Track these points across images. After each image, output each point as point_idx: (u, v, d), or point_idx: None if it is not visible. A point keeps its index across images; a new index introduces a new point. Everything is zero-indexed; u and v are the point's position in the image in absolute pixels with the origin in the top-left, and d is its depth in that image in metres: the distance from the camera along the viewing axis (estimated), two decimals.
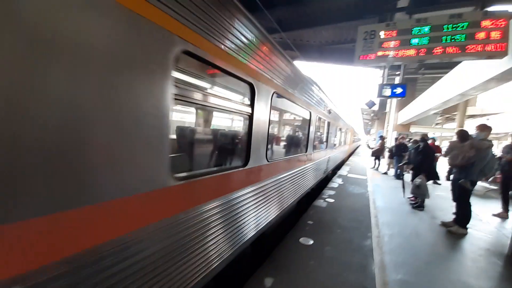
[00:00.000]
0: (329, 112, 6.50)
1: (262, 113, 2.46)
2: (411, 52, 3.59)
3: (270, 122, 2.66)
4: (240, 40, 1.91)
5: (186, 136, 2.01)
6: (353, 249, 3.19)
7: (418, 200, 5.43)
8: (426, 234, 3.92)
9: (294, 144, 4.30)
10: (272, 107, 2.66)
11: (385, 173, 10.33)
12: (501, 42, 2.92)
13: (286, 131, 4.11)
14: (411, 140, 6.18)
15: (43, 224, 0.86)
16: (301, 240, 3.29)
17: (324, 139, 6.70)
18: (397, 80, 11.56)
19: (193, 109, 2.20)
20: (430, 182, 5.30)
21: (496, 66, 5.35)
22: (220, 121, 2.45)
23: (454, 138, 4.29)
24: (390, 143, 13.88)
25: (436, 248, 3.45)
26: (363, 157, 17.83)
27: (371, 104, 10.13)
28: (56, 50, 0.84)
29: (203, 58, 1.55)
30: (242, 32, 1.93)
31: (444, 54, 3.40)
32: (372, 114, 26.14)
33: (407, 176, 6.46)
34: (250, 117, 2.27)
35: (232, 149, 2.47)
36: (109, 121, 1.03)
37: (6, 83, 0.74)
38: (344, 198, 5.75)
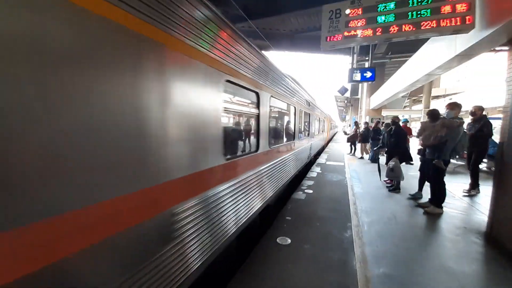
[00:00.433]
0: (309, 105, 7.38)
1: (264, 112, 3.34)
2: (379, 30, 3.40)
3: (269, 119, 3.58)
4: (252, 66, 2.81)
5: (228, 132, 2.51)
6: (333, 243, 2.99)
7: (394, 183, 5.46)
8: (404, 218, 3.87)
9: (285, 134, 5.07)
10: (270, 107, 3.59)
11: (361, 157, 10.53)
12: (467, 15, 2.81)
13: (279, 124, 4.81)
14: (384, 124, 6.19)
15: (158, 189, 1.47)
16: (279, 240, 3.03)
17: (307, 129, 7.59)
18: (366, 65, 11.72)
19: (230, 114, 2.68)
20: (404, 163, 5.29)
21: (459, 44, 5.45)
22: (242, 121, 3.11)
23: (424, 119, 4.25)
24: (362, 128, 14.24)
25: (415, 232, 3.38)
26: (341, 144, 18.24)
27: (343, 90, 10.15)
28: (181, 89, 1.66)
29: (234, 82, 2.40)
30: (253, 60, 2.82)
31: (412, 31, 3.25)
32: (345, 101, 26.83)
33: (382, 160, 6.52)
34: (258, 116, 3.16)
35: (249, 140, 3.20)
36: (202, 126, 1.91)
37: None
38: (323, 188, 5.63)
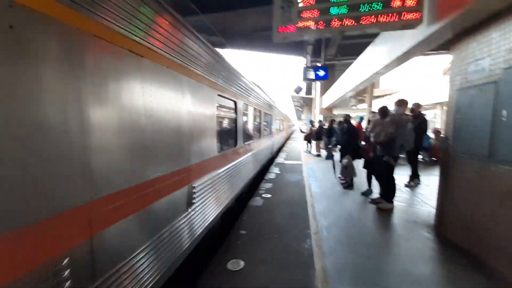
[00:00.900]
0: (270, 107, 8.50)
1: (239, 115, 4.21)
2: (332, 22, 3.19)
3: (243, 121, 4.53)
4: (236, 84, 3.98)
5: (219, 132, 3.21)
6: (292, 259, 2.63)
7: (348, 179, 5.52)
8: (360, 217, 3.80)
9: (252, 134, 5.77)
10: (243, 112, 4.51)
11: (318, 155, 10.81)
12: (416, 11, 2.78)
13: (248, 125, 5.48)
14: (335, 122, 6.28)
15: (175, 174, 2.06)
16: (230, 265, 2.52)
17: (269, 128, 8.46)
18: (319, 65, 12.11)
19: (220, 118, 3.38)
20: (356, 160, 5.38)
21: (398, 48, 5.87)
22: (226, 123, 3.87)
23: (372, 116, 4.29)
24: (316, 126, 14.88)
25: (372, 234, 3.29)
26: (298, 141, 18.78)
27: (298, 90, 10.24)
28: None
29: (222, 96, 3.33)
30: (240, 82, 4.19)
31: (363, 25, 3.13)
32: (301, 101, 27.95)
33: (337, 157, 6.62)
34: (235, 119, 4.05)
35: (231, 137, 4.04)
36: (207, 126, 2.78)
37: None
38: (281, 190, 5.35)
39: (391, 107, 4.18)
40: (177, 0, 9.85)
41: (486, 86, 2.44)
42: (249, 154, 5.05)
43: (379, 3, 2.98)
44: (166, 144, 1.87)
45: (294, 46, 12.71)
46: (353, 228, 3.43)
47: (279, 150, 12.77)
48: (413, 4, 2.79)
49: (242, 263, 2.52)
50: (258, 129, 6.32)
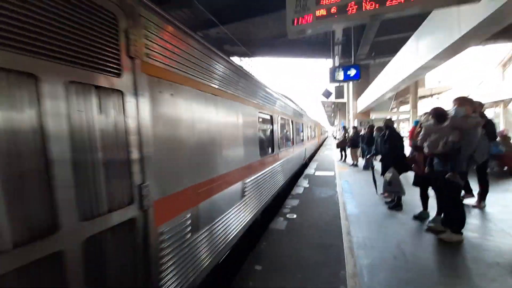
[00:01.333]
0: (301, 116, 8.93)
1: (275, 127, 4.94)
2: (362, 5, 2.52)
3: (278, 131, 5.26)
4: (271, 101, 4.70)
5: (260, 141, 4.05)
6: None
7: (394, 198, 4.52)
8: (416, 253, 2.87)
9: (285, 142, 6.36)
10: (278, 123, 5.24)
11: (354, 164, 9.64)
12: None
13: (282, 135, 5.96)
14: (375, 128, 5.32)
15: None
16: None
17: (300, 136, 8.95)
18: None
19: (260, 129, 4.26)
20: (404, 174, 4.38)
21: (448, 36, 4.83)
22: (265, 133, 4.65)
23: (425, 120, 3.37)
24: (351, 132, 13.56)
25: (434, 279, 2.38)
26: (330, 148, 17.45)
27: (327, 94, 9.39)
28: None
29: (262, 112, 4.07)
30: (274, 99, 4.85)
31: (405, 4, 2.39)
32: (332, 106, 26.44)
33: (377, 168, 5.60)
34: (272, 130, 4.83)
35: (269, 145, 4.77)
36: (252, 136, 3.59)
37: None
38: (309, 209, 4.60)
39: (449, 108, 3.22)
40: (198, 13, 10.15)
41: None
42: (283, 159, 5.78)
43: None
44: (230, 150, 2.76)
45: (321, 48, 11.96)
46: (406, 270, 2.55)
47: (311, 157, 13.18)
48: None
49: None
50: (291, 138, 6.97)
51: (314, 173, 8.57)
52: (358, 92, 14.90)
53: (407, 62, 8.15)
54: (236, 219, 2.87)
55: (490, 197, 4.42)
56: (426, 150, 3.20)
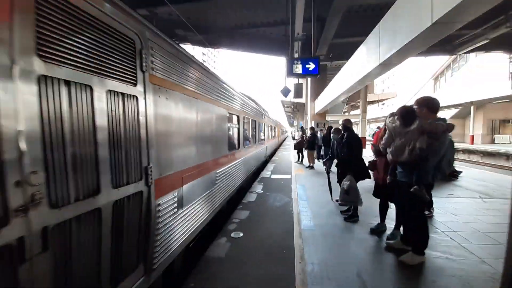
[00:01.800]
0: (263, 116, 9.58)
1: (240, 126, 5.53)
2: None
3: (243, 129, 5.94)
4: (239, 104, 5.42)
5: (228, 138, 4.55)
6: None
7: (350, 207, 4.12)
8: (373, 275, 2.37)
9: (249, 139, 6.92)
10: (243, 122, 5.86)
11: (310, 166, 9.42)
12: None
13: (246, 133, 6.59)
14: (332, 129, 4.92)
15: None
16: None
17: (263, 135, 9.63)
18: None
19: (229, 128, 4.63)
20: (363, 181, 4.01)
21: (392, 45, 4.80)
22: (232, 131, 5.01)
23: (390, 121, 2.94)
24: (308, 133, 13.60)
25: None
26: (289, 150, 17.41)
27: (285, 91, 8.93)
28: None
29: (230, 113, 4.58)
30: (240, 101, 5.52)
31: None
32: (292, 106, 26.84)
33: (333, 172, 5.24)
34: (238, 128, 5.37)
35: (235, 142, 5.20)
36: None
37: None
38: (259, 224, 3.87)
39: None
40: None
41: None
42: (248, 155, 6.40)
43: None
44: (206, 143, 3.33)
45: (281, 45, 11.52)
46: None
47: (272, 154, 14.11)
48: None
49: None
50: (254, 136, 7.65)
51: (270, 175, 8.00)
52: (316, 93, 15.10)
53: (358, 67, 8.26)
54: (208, 203, 3.36)
55: (436, 203, 4.38)
56: (389, 157, 2.75)
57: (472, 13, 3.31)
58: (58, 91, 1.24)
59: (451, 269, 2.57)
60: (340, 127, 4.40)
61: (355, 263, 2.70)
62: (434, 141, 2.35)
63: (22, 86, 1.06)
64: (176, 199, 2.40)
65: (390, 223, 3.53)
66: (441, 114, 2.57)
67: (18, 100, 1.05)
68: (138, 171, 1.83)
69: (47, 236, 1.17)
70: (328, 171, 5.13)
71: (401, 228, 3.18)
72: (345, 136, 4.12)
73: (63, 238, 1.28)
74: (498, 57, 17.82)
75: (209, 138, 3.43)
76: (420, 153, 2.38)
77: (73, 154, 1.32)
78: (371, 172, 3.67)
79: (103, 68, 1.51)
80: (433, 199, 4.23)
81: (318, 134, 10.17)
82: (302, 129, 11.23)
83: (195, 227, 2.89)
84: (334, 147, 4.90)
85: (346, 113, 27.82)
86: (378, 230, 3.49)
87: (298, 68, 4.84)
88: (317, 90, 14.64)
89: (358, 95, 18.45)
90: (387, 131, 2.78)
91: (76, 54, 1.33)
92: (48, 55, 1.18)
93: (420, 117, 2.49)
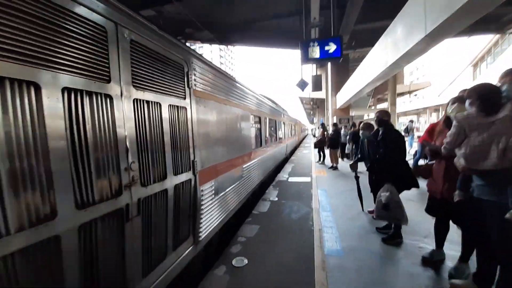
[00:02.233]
0: (283, 115, 9.79)
1: (262, 125, 6.00)
2: None
3: (265, 128, 6.39)
4: (262, 106, 6.02)
5: (253, 137, 5.12)
6: None
7: (391, 226, 3.16)
8: None
9: (270, 137, 7.34)
10: (265, 122, 6.33)
11: (333, 167, 8.38)
12: None
13: (268, 132, 6.92)
14: (361, 125, 3.95)
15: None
16: None
17: (283, 133, 9.87)
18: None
19: (253, 128, 5.18)
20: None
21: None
22: (255, 131, 5.49)
23: (456, 109, 1.98)
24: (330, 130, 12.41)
25: None
26: (309, 147, 16.30)
27: (302, 85, 7.98)
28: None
29: (253, 114, 5.06)
30: (261, 102, 5.94)
31: None
32: (311, 102, 25.49)
33: (363, 176, 4.26)
34: (260, 128, 5.78)
35: (258, 140, 5.63)
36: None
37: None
38: (270, 244, 3.08)
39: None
40: None
41: None
42: (269, 152, 6.76)
43: None
44: (235, 142, 3.82)
45: (295, 37, 10.53)
46: None
47: (292, 152, 14.14)
48: None
49: None
50: (274, 134, 7.98)
51: (288, 178, 7.14)
52: (337, 87, 13.83)
53: (384, 54, 7.06)
54: (237, 193, 3.76)
55: None
56: (460, 162, 1.80)
57: None
58: (144, 108, 1.75)
59: None
60: (373, 121, 3.43)
61: None
62: None
63: (126, 105, 1.58)
64: (213, 187, 2.87)
65: (450, 247, 2.55)
66: None
67: (124, 115, 1.56)
68: (188, 163, 2.32)
69: (140, 205, 1.66)
70: (357, 176, 4.17)
71: (464, 256, 2.19)
72: (380, 132, 3.17)
73: (147, 208, 1.75)
74: None
75: (236, 137, 3.89)
76: None
77: (152, 151, 1.80)
78: (419, 180, 2.70)
79: (167, 89, 2.02)
80: None
81: (342, 131, 9.07)
82: (323, 125, 10.16)
83: (227, 213, 3.31)
84: (364, 146, 3.94)
85: (372, 107, 25.75)
86: (433, 260, 2.53)
87: (315, 52, 3.96)
88: (339, 83, 13.39)
89: (385, 87, 16.72)
90: (455, 124, 1.83)
91: (153, 82, 1.84)
92: (138, 85, 1.70)
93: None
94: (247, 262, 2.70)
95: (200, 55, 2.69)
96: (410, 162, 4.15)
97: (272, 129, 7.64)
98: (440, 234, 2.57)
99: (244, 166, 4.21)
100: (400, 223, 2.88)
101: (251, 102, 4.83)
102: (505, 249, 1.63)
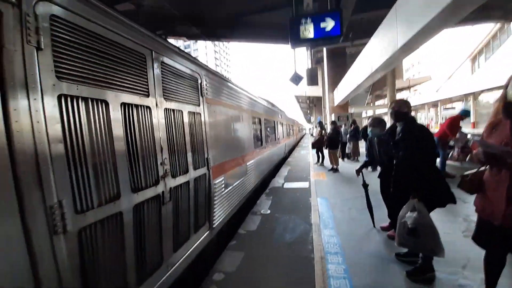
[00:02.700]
0: (281, 116, 10.27)
1: (262, 126, 6.39)
2: None
3: (265, 129, 6.75)
4: (260, 108, 6.35)
5: (253, 137, 5.42)
6: None
7: (413, 256, 2.36)
8: None
9: (270, 137, 7.70)
10: (264, 123, 6.68)
11: (333, 169, 7.59)
12: None
13: (268, 132, 7.41)
14: (370, 121, 3.16)
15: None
16: None
17: (282, 133, 10.38)
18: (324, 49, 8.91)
19: (253, 129, 5.55)
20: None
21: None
22: (256, 131, 5.83)
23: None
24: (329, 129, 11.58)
25: None
26: (307, 147, 15.52)
27: (296, 79, 7.20)
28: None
29: (254, 116, 5.51)
30: (259, 105, 6.31)
31: None
32: (307, 101, 24.75)
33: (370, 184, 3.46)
34: (261, 129, 6.20)
35: (259, 140, 5.97)
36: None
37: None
38: (256, 285, 2.26)
39: None
40: None
41: None
42: (269, 151, 7.14)
43: None
44: (240, 141, 4.24)
45: (284, 32, 9.75)
46: None
47: (290, 151, 14.34)
48: None
49: None
50: (274, 135, 8.34)
51: (283, 184, 6.33)
52: (334, 82, 13.06)
53: (381, 46, 6.31)
54: (242, 188, 4.13)
55: None
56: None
57: None
58: (171, 115, 2.17)
59: None
60: (388, 115, 2.64)
61: None
62: None
63: (160, 113, 1.97)
64: (223, 182, 3.24)
65: (505, 283, 1.75)
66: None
67: (158, 121, 1.94)
68: (203, 160, 2.73)
69: (171, 192, 2.05)
70: (365, 184, 3.37)
71: None
72: (399, 129, 2.37)
73: (175, 195, 2.15)
74: None
75: (241, 138, 4.29)
76: None
77: (177, 149, 2.22)
78: (454, 193, 1.90)
79: (186, 98, 2.45)
80: None
81: (342, 129, 8.29)
82: (321, 124, 9.37)
83: (234, 206, 3.63)
84: (373, 147, 3.15)
85: (370, 105, 25.02)
86: None
87: (308, 31, 3.19)
88: (336, 79, 12.63)
89: (383, 83, 16.04)
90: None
91: (177, 93, 2.28)
92: (167, 96, 2.11)
93: None
94: None
95: (209, 67, 3.12)
96: None
97: (272, 129, 8.21)
98: (494, 272, 1.77)
99: (248, 164, 4.64)
100: (434, 254, 2.07)
101: (252, 105, 5.33)
102: None
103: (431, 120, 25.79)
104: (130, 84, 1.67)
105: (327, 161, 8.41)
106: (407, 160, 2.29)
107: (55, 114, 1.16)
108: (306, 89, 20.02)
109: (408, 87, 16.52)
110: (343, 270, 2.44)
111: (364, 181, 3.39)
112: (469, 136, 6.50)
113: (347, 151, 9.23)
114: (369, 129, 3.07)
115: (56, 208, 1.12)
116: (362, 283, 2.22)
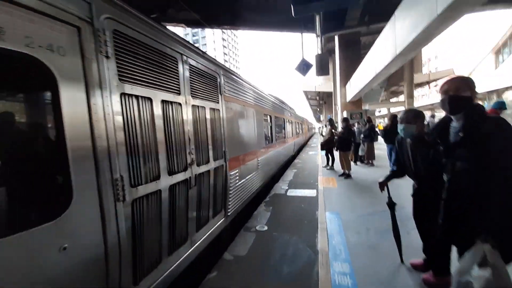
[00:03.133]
0: (290, 115, 10.45)
1: (273, 123, 6.64)
2: None
3: (275, 126, 7.07)
4: (272, 106, 6.69)
5: (265, 134, 5.85)
6: None
7: None
8: None
9: (280, 134, 8.07)
10: (275, 121, 6.98)
11: (345, 174, 6.63)
12: None
13: (278, 129, 7.72)
14: (402, 114, 2.28)
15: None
16: None
17: (291, 131, 10.64)
18: (336, 43, 7.92)
19: (265, 126, 5.97)
20: None
21: None
22: (267, 128, 6.23)
23: None
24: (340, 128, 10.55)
25: None
26: (316, 147, 14.51)
27: (303, 67, 6.28)
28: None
29: (265, 113, 5.78)
30: (271, 103, 6.64)
31: None
32: (317, 98, 23.59)
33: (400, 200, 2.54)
34: (271, 126, 6.52)
35: (270, 136, 6.33)
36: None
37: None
38: None
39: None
40: None
41: None
42: (279, 148, 7.38)
43: None
44: (253, 137, 4.55)
45: (294, 20, 8.79)
46: None
47: (299, 150, 14.27)
48: None
49: None
50: (283, 132, 8.60)
51: (287, 191, 5.47)
52: (347, 75, 11.95)
53: (416, 14, 5.25)
54: (253, 182, 4.38)
55: None
56: None
57: None
58: (197, 111, 2.48)
59: None
60: (440, 103, 1.72)
61: None
62: None
63: (188, 109, 2.30)
64: (237, 174, 3.52)
65: None
66: None
67: (187, 116, 2.27)
68: (221, 152, 3.00)
69: (195, 179, 2.34)
70: (392, 203, 2.47)
71: None
72: (461, 124, 1.47)
73: (199, 182, 2.44)
74: None
75: (252, 134, 4.55)
76: None
77: (201, 141, 2.52)
78: None
79: (208, 95, 2.72)
80: None
81: (355, 128, 7.31)
82: (331, 122, 8.36)
83: (246, 197, 3.93)
84: (405, 153, 2.25)
85: (386, 100, 23.45)
86: None
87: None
88: (348, 71, 11.54)
89: (400, 77, 14.74)
90: None
91: (201, 91, 2.57)
92: (194, 94, 2.45)
93: None
94: None
95: (226, 66, 3.36)
96: None
97: (282, 127, 8.47)
98: None
99: (259, 159, 4.87)
100: None
101: (263, 102, 5.56)
102: None
103: None
104: (166, 83, 1.99)
105: (337, 164, 7.45)
106: (473, 177, 1.39)
107: (118, 109, 1.50)
108: (315, 84, 18.93)
109: (428, 82, 15.05)
110: None
111: (390, 198, 2.48)
112: None
113: (360, 153, 8.21)
114: (400, 126, 2.15)
115: (119, 181, 1.46)
116: None
